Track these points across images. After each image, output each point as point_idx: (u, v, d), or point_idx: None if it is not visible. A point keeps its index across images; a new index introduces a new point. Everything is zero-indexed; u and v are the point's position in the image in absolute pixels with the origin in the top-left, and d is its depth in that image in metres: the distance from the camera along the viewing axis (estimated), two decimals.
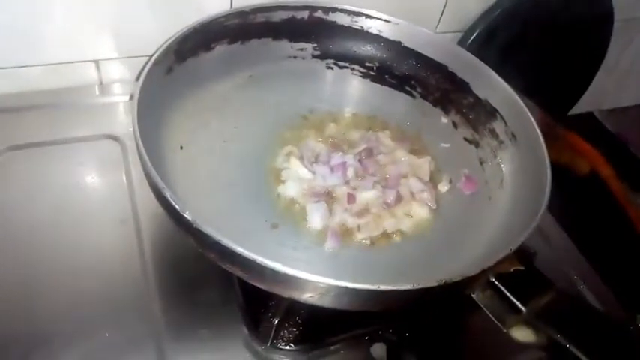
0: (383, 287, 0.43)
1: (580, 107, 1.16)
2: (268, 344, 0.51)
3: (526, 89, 0.86)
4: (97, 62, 0.72)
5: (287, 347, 0.52)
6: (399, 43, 0.74)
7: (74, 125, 0.69)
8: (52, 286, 0.55)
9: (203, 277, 0.57)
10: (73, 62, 0.71)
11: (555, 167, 0.92)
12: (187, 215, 0.45)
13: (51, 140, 0.67)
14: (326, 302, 0.45)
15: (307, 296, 0.44)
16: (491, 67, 0.78)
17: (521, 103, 0.65)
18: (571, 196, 0.91)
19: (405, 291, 0.44)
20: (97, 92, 0.75)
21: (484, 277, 0.47)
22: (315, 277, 0.42)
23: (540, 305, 0.47)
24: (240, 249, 0.43)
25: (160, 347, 0.52)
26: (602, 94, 1.16)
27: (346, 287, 0.43)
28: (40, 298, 0.54)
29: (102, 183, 0.65)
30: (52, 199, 0.62)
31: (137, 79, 0.56)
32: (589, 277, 0.66)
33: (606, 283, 0.65)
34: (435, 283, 0.44)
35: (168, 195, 0.46)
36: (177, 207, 0.45)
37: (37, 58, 0.69)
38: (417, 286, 0.44)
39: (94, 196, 0.63)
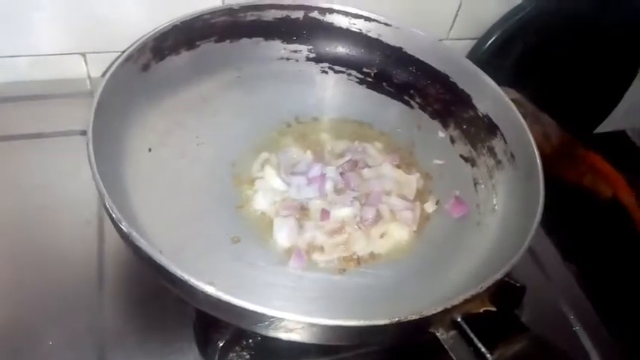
0: (324, 322, 0.39)
1: (612, 125, 1.07)
2: None
3: (546, 103, 0.80)
4: (84, 55, 0.70)
5: None
6: (400, 48, 0.69)
7: (56, 119, 0.67)
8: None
9: (162, 288, 0.54)
10: (59, 54, 0.69)
11: (576, 189, 0.86)
12: (123, 226, 0.42)
13: (31, 133, 0.66)
14: (263, 331, 0.41)
15: (242, 323, 0.40)
16: (507, 78, 0.72)
17: (523, 122, 0.59)
18: (585, 224, 0.84)
19: (352, 327, 0.39)
20: (89, 86, 0.74)
21: (448, 317, 0.42)
22: (245, 303, 0.38)
23: (509, 353, 0.41)
24: (172, 267, 0.39)
25: (103, 356, 0.49)
26: (636, 112, 1.07)
27: (282, 319, 0.38)
28: None
29: (74, 180, 0.62)
30: (23, 193, 0.60)
31: (103, 74, 0.53)
32: (588, 318, 0.59)
33: (607, 327, 0.58)
34: (386, 321, 0.40)
35: (107, 201, 0.43)
36: (114, 215, 0.42)
37: (24, 49, 0.68)
38: (364, 324, 0.39)
39: (65, 193, 0.61)
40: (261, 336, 0.49)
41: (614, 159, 0.86)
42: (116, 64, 0.54)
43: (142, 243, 0.40)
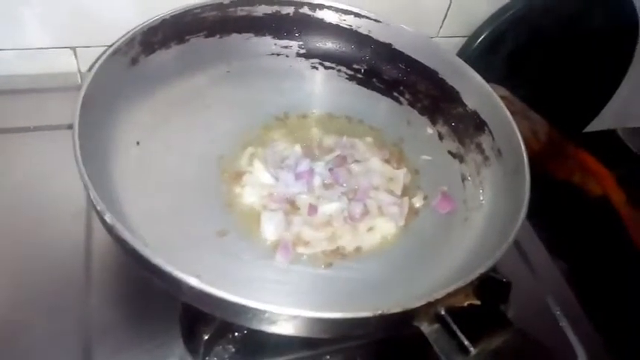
0: (305, 314, 0.39)
1: (602, 124, 1.08)
2: None
3: (535, 101, 0.81)
4: (74, 49, 0.70)
5: None
6: (390, 45, 0.69)
7: (45, 113, 0.67)
8: None
9: (149, 282, 0.54)
10: (49, 48, 0.69)
11: (565, 187, 0.86)
12: (107, 218, 0.41)
13: (20, 127, 0.65)
14: (246, 324, 0.41)
15: (225, 316, 0.40)
16: (496, 76, 0.72)
17: (511, 118, 0.59)
18: (574, 221, 0.85)
19: (334, 320, 0.40)
20: (79, 80, 0.74)
21: (431, 310, 0.42)
22: (227, 295, 0.38)
23: (492, 347, 0.41)
24: (155, 258, 0.39)
25: (88, 348, 0.49)
26: (627, 112, 1.07)
27: (265, 311, 0.39)
28: None
29: (63, 174, 0.62)
30: (11, 186, 0.60)
31: (90, 68, 0.53)
32: (575, 314, 0.59)
33: (594, 324, 0.59)
34: (368, 314, 0.40)
35: (91, 193, 0.43)
36: (98, 206, 0.42)
37: (12, 42, 0.67)
38: (347, 316, 0.39)
39: (54, 188, 0.60)
40: (247, 329, 0.49)
41: (605, 158, 0.86)
42: (103, 57, 0.54)
43: (126, 235, 0.40)
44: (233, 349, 0.49)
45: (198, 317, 0.48)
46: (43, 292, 0.52)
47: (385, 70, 0.70)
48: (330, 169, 0.60)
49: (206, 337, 0.46)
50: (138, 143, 0.57)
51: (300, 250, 0.53)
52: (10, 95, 0.68)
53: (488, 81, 0.64)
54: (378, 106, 0.69)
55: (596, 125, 1.05)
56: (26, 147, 0.63)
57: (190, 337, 0.49)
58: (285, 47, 0.70)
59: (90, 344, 0.49)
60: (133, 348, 0.50)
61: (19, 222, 0.57)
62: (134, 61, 0.59)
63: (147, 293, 0.53)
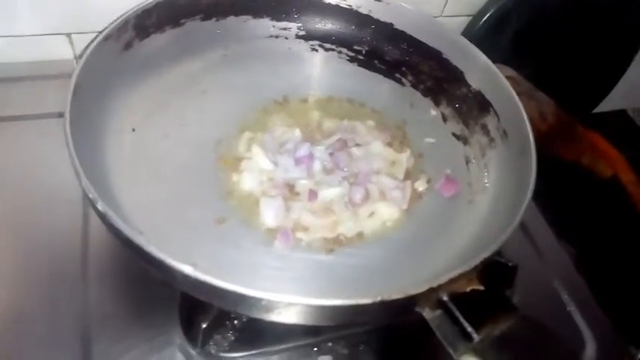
0: (304, 301, 0.37)
1: (612, 104, 1.05)
2: (198, 349, 0.47)
3: (543, 82, 0.78)
4: (69, 36, 0.69)
5: (220, 354, 0.48)
6: (391, 24, 0.67)
7: (39, 101, 0.66)
8: None
9: (147, 270, 0.53)
10: (42, 35, 0.68)
11: (574, 168, 0.84)
12: (99, 206, 0.40)
13: (14, 115, 0.64)
14: (244, 312, 0.40)
15: (222, 304, 0.39)
16: (502, 56, 0.70)
17: (516, 98, 0.57)
18: (583, 203, 0.83)
19: (334, 307, 0.38)
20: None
21: (433, 296, 0.41)
22: (222, 283, 0.37)
23: (496, 333, 0.40)
24: (149, 247, 0.38)
25: (87, 338, 0.48)
26: (637, 92, 1.05)
27: (261, 299, 0.37)
28: None
29: (60, 162, 0.60)
30: (7, 174, 0.59)
31: (81, 54, 0.52)
32: (583, 298, 0.58)
33: (603, 307, 0.57)
34: (369, 300, 0.38)
35: (83, 181, 0.42)
36: (90, 195, 0.41)
37: (4, 30, 0.66)
38: (347, 303, 0.38)
39: (50, 176, 0.59)
40: (246, 317, 0.48)
41: (615, 139, 0.84)
42: (95, 42, 0.53)
43: (119, 222, 0.39)
44: (232, 337, 0.48)
45: (197, 306, 0.47)
46: (40, 281, 0.52)
47: (387, 50, 0.68)
48: (331, 154, 0.58)
49: (204, 326, 0.46)
50: (133, 130, 0.56)
51: (300, 236, 0.51)
52: (5, 83, 0.67)
53: (494, 61, 0.62)
54: (380, 88, 0.67)
55: (605, 106, 1.02)
56: (22, 135, 0.63)
57: (189, 326, 0.48)
58: (284, 29, 0.68)
59: (89, 333, 0.49)
60: (132, 337, 0.49)
61: (15, 211, 0.56)
62: (128, 45, 0.57)
63: (145, 282, 0.52)
